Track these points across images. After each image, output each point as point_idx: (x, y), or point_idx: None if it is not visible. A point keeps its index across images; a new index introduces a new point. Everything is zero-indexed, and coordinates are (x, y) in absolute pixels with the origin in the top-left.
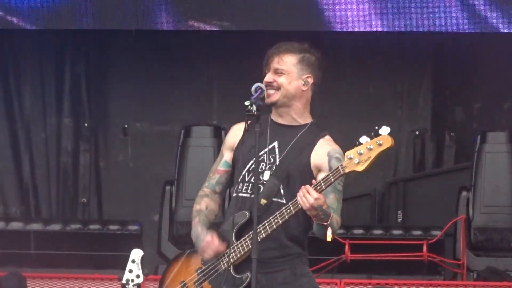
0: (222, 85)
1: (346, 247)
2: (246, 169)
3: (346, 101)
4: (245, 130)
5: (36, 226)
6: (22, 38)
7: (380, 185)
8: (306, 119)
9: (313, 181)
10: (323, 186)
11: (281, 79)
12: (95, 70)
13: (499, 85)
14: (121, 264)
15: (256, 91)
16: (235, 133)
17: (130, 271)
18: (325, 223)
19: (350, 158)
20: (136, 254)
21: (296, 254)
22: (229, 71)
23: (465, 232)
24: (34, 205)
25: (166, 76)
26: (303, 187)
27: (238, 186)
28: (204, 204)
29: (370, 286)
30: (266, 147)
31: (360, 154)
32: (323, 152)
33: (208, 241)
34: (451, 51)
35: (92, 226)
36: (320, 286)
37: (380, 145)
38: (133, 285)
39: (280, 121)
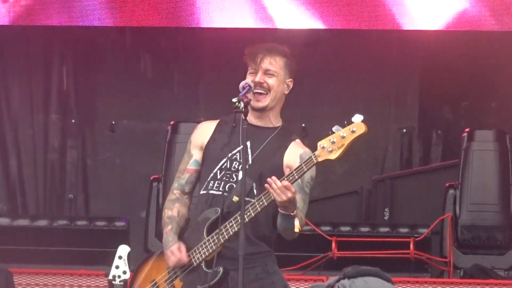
0: (209, 82)
1: (333, 244)
2: (218, 167)
3: (334, 101)
4: (233, 127)
5: (23, 222)
6: (9, 35)
7: (367, 183)
8: (278, 122)
9: (287, 170)
10: (296, 176)
11: (272, 81)
12: (82, 67)
13: (486, 84)
14: (108, 260)
15: (243, 88)
16: (203, 131)
17: (117, 267)
18: (292, 213)
19: (323, 147)
20: (123, 250)
21: (266, 253)
22: (216, 68)
23: (452, 229)
24: (21, 202)
25: (154, 73)
26: (273, 179)
27: (208, 184)
28: (176, 210)
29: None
30: (239, 145)
31: (333, 142)
32: (295, 154)
33: (173, 251)
34: (439, 50)
35: (79, 223)
36: (305, 283)
37: (353, 132)
38: (120, 281)
39: (255, 122)
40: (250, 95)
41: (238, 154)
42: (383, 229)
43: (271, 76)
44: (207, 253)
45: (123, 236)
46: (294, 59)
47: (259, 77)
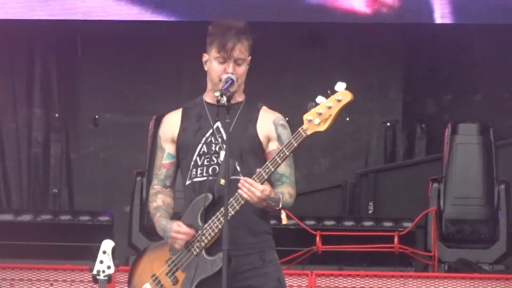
0: (192, 76)
1: (317, 238)
2: (196, 154)
3: (317, 94)
4: (216, 120)
5: (6, 217)
6: None
7: (351, 177)
8: (242, 96)
9: (265, 139)
10: (286, 153)
11: (241, 70)
12: (65, 61)
13: (470, 77)
14: (92, 255)
15: (226, 82)
16: (170, 124)
17: (101, 262)
18: (277, 208)
19: (310, 120)
20: (107, 245)
21: (265, 235)
22: (199, 62)
23: (436, 223)
24: (5, 196)
25: (137, 67)
26: (243, 180)
27: (190, 173)
28: (160, 200)
29: (341, 277)
30: (211, 128)
31: (320, 114)
32: (267, 121)
33: (177, 230)
34: (422, 43)
35: (63, 217)
36: (290, 278)
37: (339, 101)
38: (104, 276)
39: (215, 101)
40: (231, 88)
41: (212, 137)
42: (367, 223)
43: (240, 64)
44: (206, 241)
45: (107, 230)
46: (250, 33)
47: (231, 68)
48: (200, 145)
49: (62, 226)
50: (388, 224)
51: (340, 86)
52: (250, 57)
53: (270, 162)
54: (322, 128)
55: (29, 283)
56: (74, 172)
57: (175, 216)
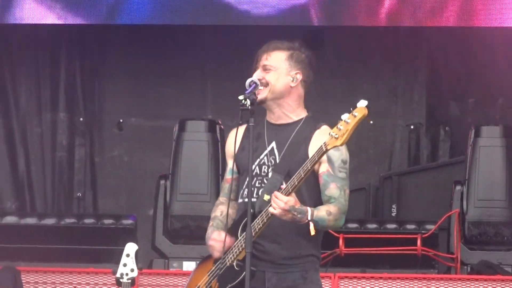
0: (216, 80)
1: (340, 241)
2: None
3: (341, 98)
4: (240, 124)
5: (30, 221)
6: (17, 34)
7: (374, 180)
8: (299, 114)
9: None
10: (309, 166)
11: (269, 76)
12: (90, 66)
13: (493, 80)
14: (115, 258)
15: (250, 85)
16: (232, 140)
17: (125, 265)
18: (306, 221)
19: (331, 136)
20: (131, 248)
21: (309, 257)
22: (223, 66)
23: (459, 226)
24: (29, 200)
25: (161, 71)
26: (273, 193)
27: (243, 192)
28: (219, 211)
29: (364, 280)
30: (265, 149)
31: (339, 129)
32: (319, 143)
33: (214, 238)
34: (446, 46)
35: (86, 220)
36: None
37: (355, 116)
38: (127, 279)
39: (274, 121)
40: (256, 91)
41: (265, 158)
42: (390, 226)
43: (268, 71)
44: (237, 252)
45: (130, 234)
46: (302, 52)
47: (256, 74)
48: (253, 166)
49: (86, 229)
50: (411, 226)
51: (361, 102)
52: (296, 72)
53: (295, 176)
54: (339, 142)
55: (53, 286)
56: (98, 176)
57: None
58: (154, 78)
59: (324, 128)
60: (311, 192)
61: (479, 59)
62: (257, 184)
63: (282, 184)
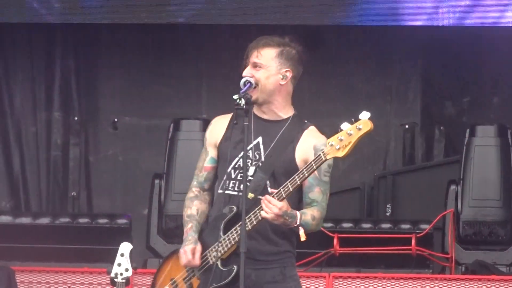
0: (211, 79)
1: (335, 240)
2: (231, 166)
3: (336, 97)
4: (234, 124)
5: (25, 220)
6: (12, 33)
7: (369, 179)
8: (288, 112)
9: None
10: (306, 174)
11: (259, 74)
12: (84, 65)
13: (488, 79)
14: (110, 257)
15: (245, 85)
16: (216, 128)
17: (119, 264)
18: (295, 225)
19: (332, 145)
20: (125, 247)
21: (287, 253)
22: (218, 65)
23: (454, 225)
24: (24, 199)
25: (156, 70)
26: (265, 197)
27: (224, 183)
28: (195, 208)
29: (358, 279)
30: (251, 143)
31: (341, 140)
32: (308, 146)
33: (186, 251)
34: (441, 45)
35: (81, 220)
36: (308, 280)
37: (359, 129)
38: (122, 279)
39: (263, 116)
40: (250, 91)
41: (250, 151)
42: (385, 225)
43: (258, 68)
44: (222, 251)
45: (125, 233)
46: (293, 48)
47: (245, 71)
48: (237, 158)
49: (81, 229)
50: (406, 226)
51: (364, 115)
52: (286, 69)
53: (289, 182)
54: (341, 154)
55: (47, 285)
56: (93, 175)
57: (206, 219)
58: (148, 77)
59: (312, 129)
60: (293, 193)
61: (474, 58)
62: (239, 177)
63: (266, 185)
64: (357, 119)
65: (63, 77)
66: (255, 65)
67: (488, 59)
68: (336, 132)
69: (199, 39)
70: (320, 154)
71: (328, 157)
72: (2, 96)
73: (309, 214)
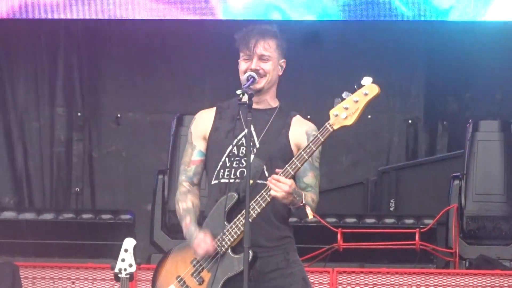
0: (214, 75)
1: (339, 235)
2: (225, 154)
3: (339, 92)
4: (237, 120)
5: (29, 216)
6: (15, 28)
7: (372, 174)
8: (276, 101)
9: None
10: (313, 148)
11: (267, 66)
12: (88, 60)
13: (491, 75)
14: (114, 253)
15: (248, 80)
16: (203, 121)
17: (123, 260)
18: (301, 204)
19: (336, 115)
20: (129, 243)
21: (287, 238)
22: (221, 61)
23: (457, 220)
24: (27, 195)
25: (159, 66)
26: (272, 177)
27: (218, 173)
28: (190, 201)
29: (362, 275)
30: (243, 131)
31: (346, 108)
32: (300, 130)
33: (201, 239)
34: (444, 41)
35: (84, 216)
36: (312, 275)
37: (366, 94)
38: (126, 274)
39: (254, 106)
40: (254, 86)
41: (243, 139)
42: (388, 220)
43: (266, 61)
44: (231, 239)
45: (129, 229)
46: (283, 37)
47: (254, 64)
48: (230, 147)
49: (84, 224)
50: (410, 221)
51: (366, 80)
52: (283, 60)
53: (296, 158)
54: (349, 122)
55: (51, 281)
56: (96, 171)
57: (200, 215)
58: (152, 72)
59: (299, 117)
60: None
61: (477, 54)
62: (234, 165)
63: (263, 170)
64: (360, 86)
65: (66, 72)
66: (262, 58)
67: (491, 55)
68: (337, 103)
69: (202, 35)
70: (326, 126)
71: (335, 127)
72: (5, 92)
73: (310, 197)
